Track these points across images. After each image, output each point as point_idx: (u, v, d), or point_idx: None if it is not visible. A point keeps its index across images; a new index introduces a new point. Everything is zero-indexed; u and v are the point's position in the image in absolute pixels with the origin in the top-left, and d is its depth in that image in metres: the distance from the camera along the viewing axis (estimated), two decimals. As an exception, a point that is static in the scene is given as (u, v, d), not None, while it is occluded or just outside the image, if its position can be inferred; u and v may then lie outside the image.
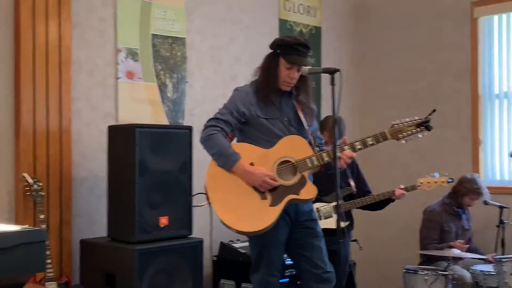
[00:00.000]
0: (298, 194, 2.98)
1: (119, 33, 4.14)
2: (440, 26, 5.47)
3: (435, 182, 4.21)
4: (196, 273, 3.75)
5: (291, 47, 3.04)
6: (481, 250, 4.81)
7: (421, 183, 4.21)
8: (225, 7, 4.80)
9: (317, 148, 3.18)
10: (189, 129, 3.86)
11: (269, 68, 3.08)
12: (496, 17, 5.16)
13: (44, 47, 3.71)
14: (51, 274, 3.43)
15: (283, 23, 5.24)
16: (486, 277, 4.23)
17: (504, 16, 5.11)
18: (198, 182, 3.76)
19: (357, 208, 4.18)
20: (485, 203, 4.64)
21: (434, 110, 3.01)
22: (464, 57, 5.30)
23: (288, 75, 3.06)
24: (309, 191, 3.00)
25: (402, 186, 4.21)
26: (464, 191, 4.64)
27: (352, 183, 4.11)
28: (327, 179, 4.00)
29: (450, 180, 4.26)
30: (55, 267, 3.63)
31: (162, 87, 4.36)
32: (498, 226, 4.56)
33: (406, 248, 5.43)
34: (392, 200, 4.23)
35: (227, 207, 2.97)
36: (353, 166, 4.28)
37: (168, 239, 3.68)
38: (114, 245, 3.63)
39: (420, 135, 3.04)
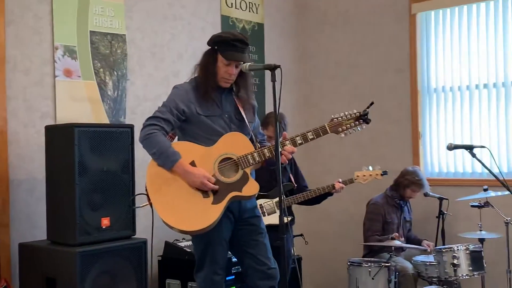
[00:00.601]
0: (240, 191, 2.97)
1: (56, 30, 4.02)
2: (379, 22, 5.56)
3: (370, 175, 4.31)
4: (141, 274, 3.69)
5: (228, 43, 3.02)
6: (419, 236, 4.93)
7: (358, 176, 4.31)
8: (166, 3, 4.74)
9: (258, 144, 3.17)
10: (131, 127, 3.80)
11: (207, 65, 3.06)
12: (433, 13, 5.28)
13: (-24, 45, 3.57)
14: (-12, 280, 3.31)
15: (225, 19, 5.22)
16: (427, 267, 4.35)
17: (441, 11, 5.24)
18: (140, 182, 3.69)
19: (297, 203, 4.21)
20: (425, 194, 4.76)
21: (372, 103, 3.06)
22: (403, 53, 5.41)
23: (226, 72, 3.04)
24: (251, 187, 3.00)
25: (340, 180, 4.28)
26: (405, 183, 4.75)
27: (292, 178, 4.15)
28: (269, 175, 4.04)
29: (384, 173, 4.35)
30: (-7, 273, 3.50)
31: (102, 85, 4.27)
32: (438, 217, 4.68)
33: (351, 241, 5.52)
34: (331, 194, 4.30)
35: (169, 207, 2.93)
36: (291, 162, 4.31)
37: (111, 240, 3.61)
38: (55, 248, 3.54)
39: (359, 128, 3.08)
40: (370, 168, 4.34)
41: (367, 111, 3.06)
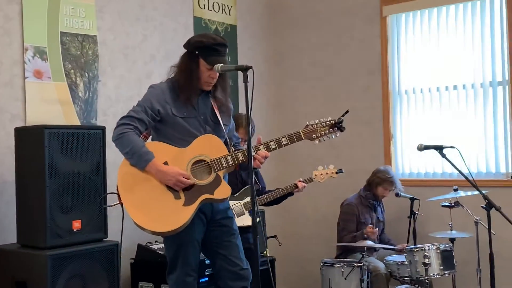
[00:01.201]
0: (212, 194, 2.98)
1: (26, 31, 3.97)
2: (351, 24, 5.62)
3: (326, 173, 4.38)
4: (113, 277, 3.67)
5: (211, 48, 3.02)
6: (393, 241, 5.00)
7: (316, 175, 4.38)
8: (137, 4, 4.72)
9: (232, 148, 3.18)
10: (102, 129, 3.78)
11: (190, 70, 3.04)
12: (403, 15, 5.35)
13: None
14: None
15: (198, 20, 5.21)
16: (399, 267, 4.40)
17: (411, 14, 5.31)
18: (112, 184, 3.66)
19: (261, 204, 4.22)
20: (397, 195, 4.81)
21: (347, 111, 3.09)
22: (374, 55, 5.47)
23: (210, 76, 3.05)
24: (223, 190, 3.00)
25: (302, 179, 4.32)
26: (377, 181, 4.81)
27: (257, 180, 4.17)
28: (235, 177, 4.05)
29: (338, 171, 4.41)
30: (-40, 278, 3.44)
31: (73, 86, 4.23)
32: (409, 217, 4.73)
33: (324, 242, 5.56)
34: (291, 194, 4.33)
35: (140, 207, 2.92)
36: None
37: (82, 243, 3.59)
38: (25, 252, 3.50)
39: (333, 136, 3.12)
40: (326, 167, 4.41)
41: (342, 119, 3.09)
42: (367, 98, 5.52)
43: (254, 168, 3.10)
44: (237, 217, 3.96)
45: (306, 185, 4.32)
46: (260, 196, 4.18)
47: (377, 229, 4.69)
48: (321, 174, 4.38)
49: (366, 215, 4.82)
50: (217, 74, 3.05)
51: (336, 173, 4.41)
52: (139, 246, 4.24)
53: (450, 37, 5.13)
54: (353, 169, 5.32)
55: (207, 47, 3.02)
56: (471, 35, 5.03)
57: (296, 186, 4.27)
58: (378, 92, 5.45)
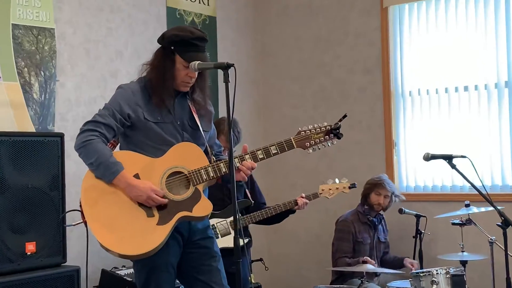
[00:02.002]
0: (190, 211, 2.97)
1: (-29, 22, 3.95)
2: (346, 16, 5.66)
3: (337, 188, 4.37)
4: (73, 308, 3.65)
5: (188, 42, 3.02)
6: (399, 256, 5.00)
7: (322, 190, 4.36)
8: (102, -8, 4.72)
9: (214, 157, 3.18)
10: (61, 136, 3.77)
11: (164, 68, 3.04)
12: (407, 6, 5.41)
13: None
14: None
15: (171, 11, 5.22)
16: (403, 294, 4.41)
17: (415, 4, 5.36)
18: (73, 200, 3.65)
19: (254, 222, 4.23)
20: (401, 211, 4.84)
21: (345, 116, 3.10)
22: (374, 51, 5.52)
23: (187, 75, 3.05)
24: (204, 207, 2.99)
25: (304, 195, 4.31)
26: (368, 190, 4.87)
27: (248, 194, 4.17)
28: (221, 192, 4.04)
29: (352, 186, 4.41)
30: None
31: (26, 87, 4.21)
32: (415, 237, 4.75)
33: (318, 266, 5.57)
34: (293, 211, 4.34)
35: (107, 226, 2.91)
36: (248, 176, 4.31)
37: (37, 269, 3.57)
38: (-30, 280, 3.45)
39: (329, 144, 3.13)
40: (337, 180, 4.39)
41: (339, 124, 3.11)
42: (365, 100, 5.56)
43: (239, 182, 3.10)
44: (221, 237, 3.96)
45: (308, 202, 4.31)
46: (252, 213, 4.16)
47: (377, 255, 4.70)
48: (330, 189, 4.35)
49: (364, 234, 4.84)
50: (195, 73, 3.06)
51: (349, 188, 4.40)
52: (104, 272, 4.21)
53: (460, 31, 5.19)
54: (348, 180, 5.33)
55: (184, 42, 3.02)
56: (484, 29, 5.09)
57: (296, 203, 4.27)
58: (378, 93, 5.50)
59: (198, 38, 3.04)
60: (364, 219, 4.87)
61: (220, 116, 5.21)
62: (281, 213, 4.26)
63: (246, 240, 4.13)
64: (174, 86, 3.07)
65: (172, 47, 3.04)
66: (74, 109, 4.47)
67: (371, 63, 5.54)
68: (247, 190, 4.19)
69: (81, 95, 4.53)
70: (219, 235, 3.98)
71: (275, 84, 6.04)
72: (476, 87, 5.13)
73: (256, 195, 4.34)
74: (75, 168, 3.89)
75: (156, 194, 2.92)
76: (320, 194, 4.36)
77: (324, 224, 5.51)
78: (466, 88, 5.17)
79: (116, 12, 4.81)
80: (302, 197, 4.31)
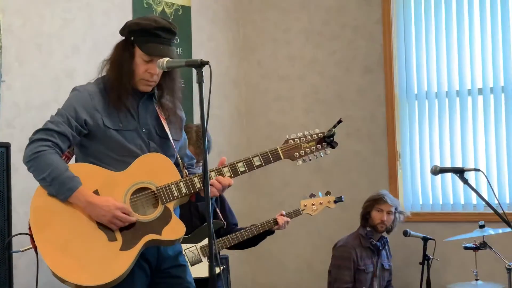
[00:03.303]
0: (159, 234, 2.98)
1: None
2: (343, 5, 5.70)
3: (321, 203, 4.39)
4: None
5: (149, 32, 3.04)
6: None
7: (305, 206, 4.39)
8: (56, -22, 4.74)
9: (186, 171, 3.20)
10: (6, 147, 3.76)
11: (120, 61, 3.07)
12: (413, -5, 5.48)
13: None
14: None
15: (138, 1, 5.24)
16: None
17: (423, -8, 5.44)
18: (20, 222, 3.66)
19: (228, 247, 4.24)
20: (406, 234, 4.88)
21: (340, 121, 3.13)
22: (374, 46, 5.57)
23: (147, 71, 3.06)
24: (175, 229, 3.01)
25: (284, 212, 4.34)
26: (368, 208, 4.91)
27: (219, 213, 4.17)
28: (189, 212, 4.04)
29: (337, 200, 4.45)
30: None
31: (-34, 88, 4.21)
32: (422, 263, 4.80)
33: (309, 298, 5.59)
34: (272, 232, 4.35)
35: (61, 253, 2.91)
36: None
37: (-23, 305, 3.56)
38: None
39: (321, 154, 3.16)
40: (320, 194, 4.42)
41: (333, 131, 3.13)
42: (364, 104, 5.61)
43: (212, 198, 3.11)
44: (192, 265, 3.97)
45: (289, 220, 4.35)
46: (226, 237, 4.18)
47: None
48: (313, 205, 4.39)
49: (367, 261, 4.87)
50: (157, 70, 3.07)
51: (335, 202, 4.44)
52: (57, 306, 4.21)
53: (475, 25, 5.25)
54: (347, 199, 5.32)
55: (144, 31, 3.04)
56: (501, 23, 5.14)
57: (276, 222, 4.30)
58: (380, 97, 5.55)
59: (162, 28, 3.05)
60: (366, 244, 4.89)
61: (195, 121, 5.22)
62: (257, 234, 4.28)
63: (222, 268, 4.14)
64: (132, 83, 3.09)
65: (132, 38, 3.06)
66: (22, 115, 4.47)
67: (371, 61, 5.58)
68: (217, 210, 4.19)
69: (31, 98, 4.53)
70: (189, 264, 3.98)
71: (259, 84, 6.07)
72: (491, 90, 5.19)
73: (227, 215, 4.34)
74: (24, 184, 3.89)
75: (123, 212, 2.94)
76: (302, 210, 4.39)
77: (317, 250, 5.54)
78: (480, 91, 5.23)
79: (73, 0, 4.82)
80: (283, 215, 4.33)
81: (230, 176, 3.10)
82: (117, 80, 3.06)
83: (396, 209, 4.92)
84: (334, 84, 5.74)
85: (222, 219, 4.21)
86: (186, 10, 5.64)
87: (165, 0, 5.47)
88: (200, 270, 3.90)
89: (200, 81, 2.76)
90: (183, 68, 2.99)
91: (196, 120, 5.33)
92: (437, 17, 5.40)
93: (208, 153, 4.24)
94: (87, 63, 4.71)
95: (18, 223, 3.72)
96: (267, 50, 6.03)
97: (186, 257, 3.99)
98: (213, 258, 2.69)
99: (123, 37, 3.13)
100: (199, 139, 4.10)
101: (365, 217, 4.93)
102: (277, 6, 5.98)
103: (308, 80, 5.85)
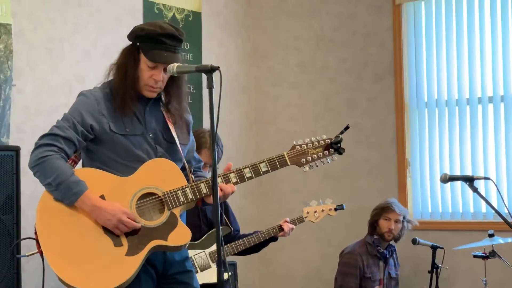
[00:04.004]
0: (165, 239, 2.98)
1: None
2: (354, 13, 5.71)
3: (322, 211, 4.42)
4: None
5: (154, 39, 3.04)
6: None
7: (308, 213, 4.41)
8: (67, -18, 4.75)
9: (192, 176, 3.20)
10: (16, 150, 3.78)
11: (125, 66, 3.07)
12: (423, 3, 5.47)
13: None
14: None
15: (149, 6, 5.25)
16: None
17: (433, 2, 5.42)
18: (29, 225, 3.66)
19: (235, 254, 4.24)
20: (414, 242, 4.86)
21: (348, 127, 3.13)
22: (385, 54, 5.56)
23: (151, 77, 3.06)
24: (181, 234, 3.01)
25: (288, 219, 4.35)
26: (376, 216, 4.89)
27: (226, 220, 4.18)
28: (198, 218, 4.04)
29: (338, 207, 4.45)
30: None
31: (-23, 92, 4.23)
32: (430, 272, 4.78)
33: (316, 306, 5.58)
34: (275, 239, 4.35)
35: (67, 258, 2.91)
36: None
37: (-14, 310, 3.56)
38: None
39: (328, 160, 3.15)
40: (321, 202, 4.43)
41: (340, 137, 3.13)
42: (374, 111, 5.60)
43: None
44: (200, 271, 3.97)
45: (294, 227, 4.35)
46: (233, 243, 4.19)
47: None
48: (315, 212, 4.41)
49: (374, 268, 4.86)
50: (163, 76, 3.07)
51: (335, 209, 4.45)
52: (65, 310, 4.21)
53: (486, 32, 5.24)
54: (356, 207, 5.37)
55: (149, 38, 3.04)
56: (510, 28, 5.13)
57: (281, 229, 4.30)
58: (390, 104, 5.54)
59: (168, 35, 3.04)
60: (373, 251, 4.88)
61: (203, 127, 5.22)
62: (262, 241, 4.28)
63: (230, 274, 4.14)
64: (137, 89, 3.09)
65: (138, 43, 3.07)
66: (33, 119, 4.48)
67: (382, 68, 5.58)
68: (224, 216, 4.20)
69: (42, 103, 4.54)
70: (198, 269, 4.00)
71: (269, 91, 6.07)
72: (502, 98, 5.18)
73: (231, 221, 4.36)
74: (33, 188, 3.89)
75: (128, 217, 2.94)
76: (305, 218, 4.41)
77: (326, 257, 5.53)
78: (491, 100, 5.22)
79: (84, 5, 4.84)
80: (287, 222, 4.34)
81: (237, 182, 3.10)
82: (121, 85, 3.07)
83: (404, 217, 4.90)
84: (344, 91, 5.74)
85: (230, 225, 4.22)
86: (197, 16, 5.65)
87: (176, 6, 5.48)
88: (209, 276, 3.90)
89: (210, 87, 2.75)
90: (193, 73, 3.00)
91: (206, 125, 5.33)
92: (448, 25, 5.38)
93: (220, 157, 4.28)
94: (98, 68, 4.69)
95: (27, 226, 3.72)
96: (278, 57, 6.03)
97: (195, 263, 4.00)
98: (222, 264, 2.69)
99: (130, 42, 3.14)
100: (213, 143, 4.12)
101: (373, 225, 4.92)
102: (288, 13, 5.99)
103: (318, 87, 5.85)
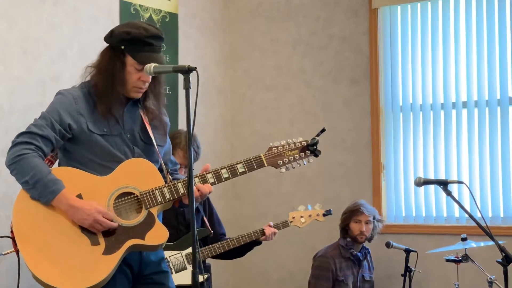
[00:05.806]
0: (142, 239, 3.00)
1: None
2: (330, 17, 5.74)
3: (309, 216, 4.43)
4: None
5: (141, 41, 3.06)
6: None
7: (293, 218, 4.42)
8: (43, -19, 4.74)
9: (170, 176, 3.22)
10: (-10, 150, 3.76)
11: (111, 71, 3.07)
12: (399, 8, 5.51)
13: None
14: None
15: (125, 6, 5.25)
16: None
17: (409, 6, 5.48)
18: (2, 225, 3.65)
19: (213, 256, 4.26)
20: (388, 245, 4.90)
21: (324, 130, 3.18)
22: (360, 58, 5.61)
23: (139, 79, 3.09)
24: (158, 234, 3.02)
25: (272, 223, 4.36)
26: (345, 219, 4.91)
27: (206, 222, 4.19)
28: (176, 219, 4.05)
29: (327, 213, 4.47)
30: None
31: (-49, 90, 4.21)
32: (404, 275, 4.82)
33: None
34: (259, 243, 4.37)
35: (43, 257, 2.92)
36: (205, 201, 4.33)
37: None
38: None
39: (305, 162, 3.20)
40: (309, 206, 4.45)
41: (316, 139, 3.18)
42: (350, 115, 5.64)
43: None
44: (176, 272, 3.97)
45: (277, 231, 4.37)
46: (211, 245, 4.19)
47: None
48: (302, 217, 4.41)
49: (347, 271, 4.88)
50: (150, 77, 3.10)
51: (324, 215, 4.46)
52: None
53: (460, 38, 5.30)
54: (322, 206, 5.37)
55: (136, 40, 3.06)
56: (486, 36, 5.19)
57: (263, 233, 4.31)
58: (365, 108, 5.58)
59: (153, 36, 3.08)
60: (346, 254, 4.90)
61: (179, 128, 5.22)
62: (244, 245, 4.29)
63: (206, 276, 4.14)
64: (124, 92, 3.11)
65: (122, 47, 3.08)
66: (6, 119, 4.46)
67: (358, 72, 5.62)
68: (204, 218, 4.21)
69: (16, 102, 4.52)
70: (173, 271, 3.99)
71: (245, 93, 6.09)
72: (476, 103, 5.24)
73: (214, 224, 4.36)
74: (6, 188, 3.90)
75: (104, 217, 2.95)
76: (290, 222, 4.42)
77: (300, 260, 5.54)
78: (465, 104, 5.28)
79: (60, 4, 4.82)
80: (270, 226, 4.35)
81: (214, 183, 3.13)
82: (109, 91, 3.08)
83: (374, 217, 4.94)
84: (320, 94, 5.76)
85: (210, 228, 4.22)
86: (173, 17, 5.66)
87: (153, 7, 5.49)
88: (184, 277, 3.91)
89: (187, 87, 2.79)
90: (169, 75, 3.01)
91: (181, 127, 5.34)
92: (423, 30, 5.44)
93: (196, 160, 4.29)
94: (74, 68, 4.69)
95: (0, 226, 3.71)
96: (254, 59, 6.05)
97: (171, 264, 4.00)
98: (197, 265, 2.71)
99: (109, 45, 3.14)
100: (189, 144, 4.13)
101: (345, 229, 4.94)
102: (265, 16, 6.01)
103: (294, 91, 5.87)
